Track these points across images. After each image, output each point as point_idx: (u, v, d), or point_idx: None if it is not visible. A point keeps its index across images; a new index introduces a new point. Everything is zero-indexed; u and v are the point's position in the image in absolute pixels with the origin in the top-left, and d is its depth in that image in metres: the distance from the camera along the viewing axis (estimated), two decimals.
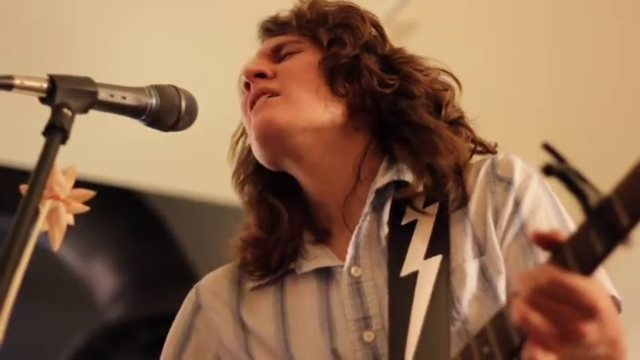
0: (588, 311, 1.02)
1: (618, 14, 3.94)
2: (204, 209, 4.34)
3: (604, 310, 1.04)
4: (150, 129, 1.33)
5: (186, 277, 4.51)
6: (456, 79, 1.62)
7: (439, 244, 1.45)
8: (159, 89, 1.31)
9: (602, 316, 1.04)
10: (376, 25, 1.64)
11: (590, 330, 1.04)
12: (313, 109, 1.53)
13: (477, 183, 1.50)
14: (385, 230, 1.49)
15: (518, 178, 1.48)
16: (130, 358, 4.38)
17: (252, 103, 1.55)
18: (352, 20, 1.61)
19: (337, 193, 1.55)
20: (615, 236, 0.96)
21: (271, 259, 1.53)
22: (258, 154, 1.55)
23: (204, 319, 1.58)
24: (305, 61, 1.58)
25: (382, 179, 1.52)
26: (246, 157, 1.63)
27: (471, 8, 3.96)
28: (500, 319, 1.12)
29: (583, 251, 0.99)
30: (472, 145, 1.58)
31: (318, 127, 1.53)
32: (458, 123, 1.58)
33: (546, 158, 1.01)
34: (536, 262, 1.40)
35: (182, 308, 1.62)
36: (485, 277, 1.43)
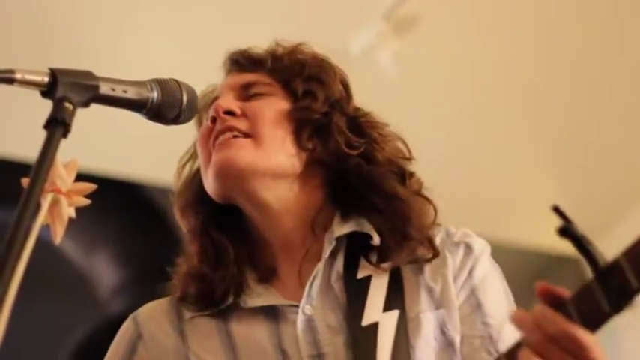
0: None
1: (620, 6, 3.93)
2: None
3: None
4: (151, 122, 1.33)
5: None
6: (408, 149, 1.62)
7: (395, 298, 1.49)
8: (160, 83, 1.31)
9: None
10: (344, 83, 1.64)
11: None
12: (277, 157, 1.53)
13: (439, 244, 1.54)
14: (338, 277, 1.51)
15: (477, 248, 1.55)
16: None
17: (216, 137, 1.55)
18: (326, 76, 1.61)
19: (289, 240, 1.55)
20: (624, 298, 1.00)
21: (215, 294, 1.52)
22: (210, 187, 1.55)
23: (146, 347, 1.56)
24: (275, 106, 1.57)
25: (341, 229, 1.53)
26: (191, 183, 1.63)
27: (473, 2, 3.96)
28: None
29: (588, 309, 1.03)
30: (434, 213, 1.58)
31: (277, 175, 1.53)
32: (420, 195, 1.58)
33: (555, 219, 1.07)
34: (484, 322, 1.47)
35: (118, 338, 1.61)
36: (443, 330, 1.47)
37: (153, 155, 4.13)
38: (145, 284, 4.50)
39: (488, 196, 4.40)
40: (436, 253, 1.52)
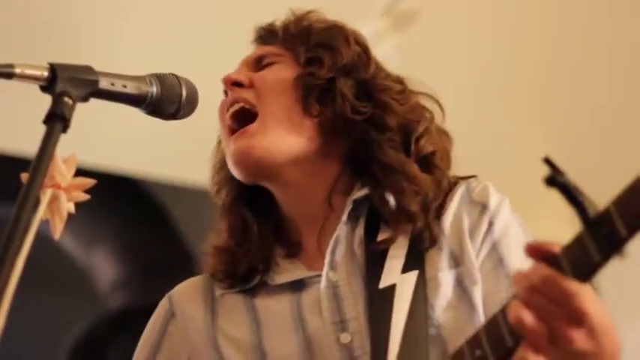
0: (577, 315, 1.04)
1: None
2: (205, 198, 4.31)
3: (593, 318, 1.05)
4: (151, 117, 1.33)
5: (187, 266, 4.51)
6: (438, 103, 1.62)
7: (415, 259, 1.49)
8: (159, 78, 1.30)
9: (591, 323, 1.05)
10: (362, 46, 1.64)
11: (578, 336, 1.05)
12: (289, 137, 1.54)
13: (453, 203, 1.53)
14: (360, 242, 1.52)
15: (492, 203, 1.53)
16: (131, 346, 4.37)
17: (228, 110, 1.57)
18: (334, 41, 1.61)
19: (311, 213, 1.57)
20: (613, 246, 0.99)
21: (238, 269, 1.55)
22: (234, 173, 1.57)
23: (178, 325, 1.58)
24: (281, 73, 1.58)
25: (360, 192, 1.53)
26: (223, 162, 1.64)
27: None
28: (493, 323, 1.14)
29: (579, 259, 1.03)
30: (446, 182, 1.57)
31: (294, 156, 1.54)
32: (429, 160, 1.57)
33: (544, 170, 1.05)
34: (507, 276, 1.45)
35: (154, 316, 1.63)
36: (462, 287, 1.46)
37: (152, 150, 4.13)
38: (145, 280, 4.51)
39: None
40: (433, 238, 1.50)
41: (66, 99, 1.16)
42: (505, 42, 4.03)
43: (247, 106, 1.56)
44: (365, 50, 1.64)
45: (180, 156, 4.18)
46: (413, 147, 1.55)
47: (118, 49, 3.78)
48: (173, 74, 1.33)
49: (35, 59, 1.22)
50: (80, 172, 1.28)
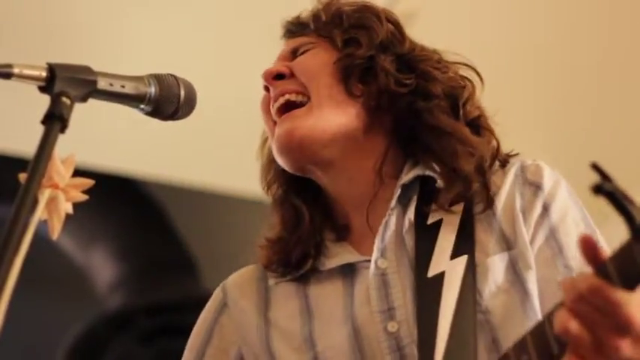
0: (623, 324, 1.04)
1: None
2: (204, 198, 4.33)
3: (639, 326, 1.05)
4: (149, 118, 1.33)
5: (186, 266, 4.52)
6: (477, 73, 1.63)
7: (465, 243, 1.47)
8: (158, 78, 1.30)
9: (637, 332, 1.05)
10: (394, 23, 1.64)
11: (624, 345, 1.05)
12: (335, 114, 1.54)
13: (506, 183, 1.52)
14: (410, 227, 1.51)
15: (547, 184, 1.50)
16: (130, 346, 4.38)
17: (272, 106, 1.57)
18: (367, 20, 1.62)
19: (359, 193, 1.56)
20: None
21: (292, 256, 1.55)
22: (280, 161, 1.57)
23: (230, 315, 1.59)
24: (319, 57, 1.59)
25: (408, 175, 1.53)
26: (271, 156, 1.64)
27: None
28: (540, 328, 1.14)
29: (626, 267, 1.02)
30: (494, 145, 1.58)
31: (338, 134, 1.54)
32: (477, 123, 1.58)
33: (593, 176, 1.05)
34: (566, 266, 1.43)
35: (208, 305, 1.63)
36: (515, 270, 1.45)
37: (151, 151, 4.13)
38: (143, 280, 4.51)
39: None
40: (489, 196, 1.49)
41: (64, 99, 1.16)
42: (504, 42, 4.03)
43: (293, 98, 1.56)
44: (397, 26, 1.64)
45: (179, 156, 4.18)
46: (461, 111, 1.56)
47: (117, 50, 3.78)
48: (171, 75, 1.33)
49: (34, 60, 1.22)
50: (78, 173, 1.27)
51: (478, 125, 1.57)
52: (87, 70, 1.22)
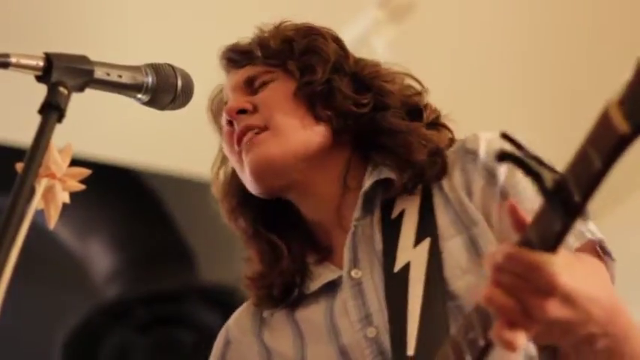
0: (546, 286, 1.03)
1: None
2: (200, 188, 4.31)
3: (566, 285, 1.03)
4: (146, 107, 1.33)
5: (182, 256, 4.52)
6: (419, 82, 1.63)
7: (426, 227, 1.48)
8: (155, 68, 1.30)
9: (564, 290, 1.03)
10: (336, 41, 1.65)
11: (551, 306, 1.03)
12: (301, 136, 1.54)
13: (451, 162, 1.52)
14: (377, 231, 1.52)
15: (483, 148, 1.50)
16: (127, 336, 4.39)
17: (239, 140, 1.56)
18: (316, 43, 1.62)
19: (330, 209, 1.57)
20: (570, 213, 0.98)
21: (273, 291, 1.56)
22: (252, 187, 1.56)
23: (233, 352, 1.61)
24: (282, 90, 1.58)
25: (367, 183, 1.54)
26: (230, 186, 1.64)
27: None
28: (476, 306, 1.13)
29: (544, 230, 1.02)
30: (449, 136, 1.58)
31: (308, 154, 1.54)
32: (436, 123, 1.59)
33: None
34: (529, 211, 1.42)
35: (214, 346, 1.65)
36: (476, 249, 1.44)
37: (147, 141, 4.13)
38: (139, 270, 4.51)
39: None
40: (443, 169, 1.50)
41: (61, 89, 1.16)
42: (500, 34, 4.03)
43: (260, 132, 1.55)
44: (339, 43, 1.65)
45: (176, 146, 4.18)
46: (424, 114, 1.57)
47: (114, 39, 3.78)
48: (169, 64, 1.33)
49: (31, 49, 1.22)
50: (75, 162, 1.27)
51: (436, 124, 1.59)
52: (84, 59, 1.22)
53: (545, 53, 4.09)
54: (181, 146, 4.15)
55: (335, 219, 1.57)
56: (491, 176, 1.48)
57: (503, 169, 1.47)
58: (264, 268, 1.58)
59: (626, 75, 0.90)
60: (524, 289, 1.03)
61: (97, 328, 4.40)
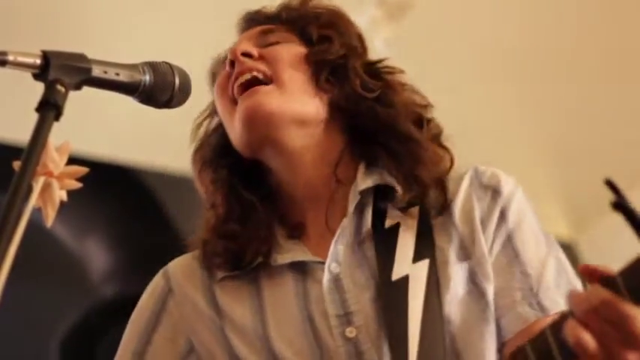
0: (633, 338, 1.06)
1: None
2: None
3: None
4: (144, 105, 1.33)
5: (180, 255, 4.51)
6: (424, 98, 1.62)
7: (425, 248, 1.47)
8: (152, 66, 1.30)
9: None
10: (359, 37, 1.66)
11: (632, 357, 1.06)
12: (302, 100, 1.53)
13: (461, 189, 1.52)
14: (368, 232, 1.50)
15: (505, 188, 1.52)
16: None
17: (236, 80, 1.54)
18: (341, 23, 1.63)
19: (313, 189, 1.54)
20: None
21: (245, 255, 1.51)
22: (238, 137, 1.53)
23: (176, 302, 1.55)
24: (293, 50, 1.57)
25: (365, 182, 1.51)
26: (209, 138, 1.62)
27: None
28: (542, 338, 1.14)
29: (636, 281, 1.05)
30: (451, 159, 1.57)
31: (304, 119, 1.52)
32: (437, 140, 1.58)
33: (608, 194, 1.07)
34: (522, 272, 1.45)
35: (149, 290, 1.59)
36: (474, 281, 1.45)
37: (145, 139, 4.13)
38: (137, 268, 4.51)
39: None
40: (446, 203, 1.50)
41: (59, 87, 1.15)
42: (498, 32, 4.03)
43: (260, 76, 1.53)
44: (361, 38, 1.66)
45: (174, 145, 4.16)
46: (425, 127, 1.56)
47: (112, 38, 3.78)
48: (166, 63, 1.33)
49: (28, 47, 1.21)
50: (73, 160, 1.27)
51: (438, 142, 1.58)
52: (81, 57, 1.22)
53: (545, 53, 4.09)
54: (179, 144, 4.14)
55: (316, 203, 1.54)
56: (502, 216, 1.49)
57: (513, 215, 1.49)
58: (232, 226, 1.53)
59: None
60: (612, 337, 1.06)
61: (95, 326, 4.40)
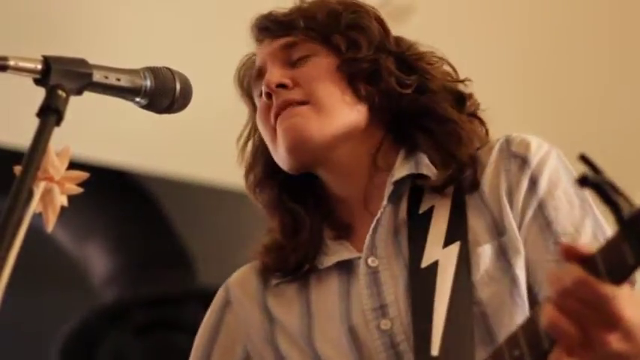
0: (612, 319, 1.02)
1: None
2: (198, 191, 4.33)
3: (628, 320, 1.03)
4: (144, 111, 1.33)
5: (180, 260, 4.52)
6: (454, 69, 1.62)
7: (457, 229, 1.45)
8: (153, 71, 1.30)
9: (626, 326, 1.03)
10: (379, 19, 1.63)
11: (613, 339, 1.03)
12: (342, 113, 1.52)
13: (490, 161, 1.50)
14: (403, 221, 1.50)
15: (534, 157, 1.48)
16: (125, 339, 4.39)
17: (277, 115, 1.53)
18: (363, 20, 1.59)
19: (357, 187, 1.55)
20: None
21: (289, 262, 1.54)
22: (283, 162, 1.54)
23: (234, 313, 1.59)
24: (323, 66, 1.55)
25: (400, 171, 1.52)
26: (258, 159, 1.63)
27: None
28: (530, 323, 1.13)
29: (614, 261, 1.00)
30: (484, 132, 1.58)
31: (347, 132, 1.52)
32: (475, 116, 1.58)
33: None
34: (555, 241, 1.40)
35: (212, 304, 1.63)
36: (505, 258, 1.43)
37: (146, 144, 4.13)
38: (137, 273, 4.51)
39: None
40: (475, 179, 1.48)
41: (59, 92, 1.16)
42: (500, 35, 4.03)
43: (303, 106, 1.53)
44: (381, 23, 1.63)
45: (174, 150, 4.18)
46: (467, 103, 1.56)
47: (112, 43, 3.78)
48: (167, 68, 1.33)
49: (29, 52, 1.22)
50: (73, 165, 1.27)
51: (474, 117, 1.58)
52: (82, 62, 1.22)
53: (545, 53, 4.09)
54: (180, 149, 4.15)
55: (360, 198, 1.55)
56: (533, 184, 1.46)
57: (544, 182, 1.46)
58: (282, 240, 1.56)
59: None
60: (589, 319, 1.02)
61: (95, 331, 4.40)
